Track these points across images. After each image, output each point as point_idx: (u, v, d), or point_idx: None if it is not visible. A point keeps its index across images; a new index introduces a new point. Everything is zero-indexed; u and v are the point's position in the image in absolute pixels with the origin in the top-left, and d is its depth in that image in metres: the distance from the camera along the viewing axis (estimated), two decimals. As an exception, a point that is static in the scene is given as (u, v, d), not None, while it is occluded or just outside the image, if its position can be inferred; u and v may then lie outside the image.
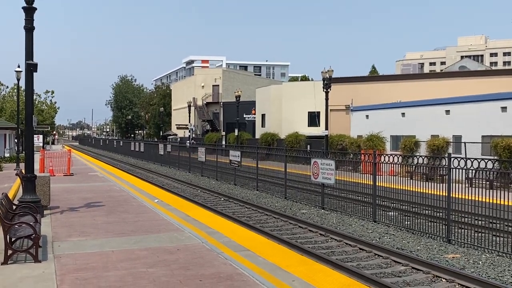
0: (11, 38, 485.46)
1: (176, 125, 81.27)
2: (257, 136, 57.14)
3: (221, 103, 75.26)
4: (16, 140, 52.78)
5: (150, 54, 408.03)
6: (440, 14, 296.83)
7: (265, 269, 8.66)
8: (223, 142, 60.86)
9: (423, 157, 15.82)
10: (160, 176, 34.99)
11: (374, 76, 61.58)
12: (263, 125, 58.63)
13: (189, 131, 68.41)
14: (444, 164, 14.38)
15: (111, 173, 30.35)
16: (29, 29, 13.09)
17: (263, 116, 59.19)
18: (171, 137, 78.30)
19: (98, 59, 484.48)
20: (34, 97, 13.76)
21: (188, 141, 55.62)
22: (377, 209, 16.58)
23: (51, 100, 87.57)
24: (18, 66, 31.65)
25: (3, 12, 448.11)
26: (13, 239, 9.32)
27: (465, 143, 28.16)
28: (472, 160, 12.99)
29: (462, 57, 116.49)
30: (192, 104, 71.62)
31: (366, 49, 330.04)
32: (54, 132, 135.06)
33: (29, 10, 13.04)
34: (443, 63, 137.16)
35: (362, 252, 12.56)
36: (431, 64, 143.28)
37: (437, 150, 29.87)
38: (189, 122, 69.51)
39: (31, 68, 13.09)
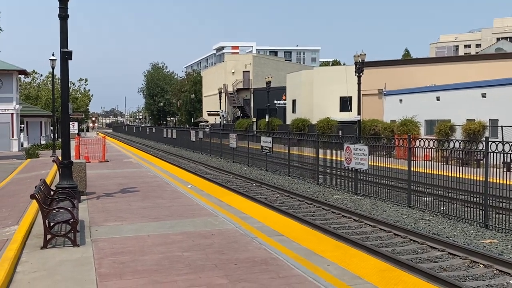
0: (44, 28, 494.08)
1: (207, 111, 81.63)
2: (288, 122, 56.94)
3: (252, 89, 75.18)
4: (51, 128, 54.02)
5: (180, 41, 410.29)
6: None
7: (300, 254, 8.64)
8: (254, 128, 60.89)
9: (459, 141, 15.49)
10: (192, 162, 35.28)
11: (407, 60, 60.49)
12: (294, 111, 58.37)
13: (220, 118, 68.67)
14: (481, 148, 14.08)
15: (144, 160, 30.72)
16: (63, 17, 13.25)
17: (294, 101, 58.91)
18: (202, 123, 78.75)
19: (130, 47, 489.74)
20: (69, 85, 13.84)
21: (207, 127, 56.38)
22: (412, 194, 16.37)
23: (84, 88, 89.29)
24: (53, 55, 32.23)
25: (38, 1, 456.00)
26: (51, 224, 9.52)
27: (502, 126, 27.52)
28: (510, 144, 12.67)
29: (498, 39, 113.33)
30: (222, 91, 71.76)
31: (399, 32, 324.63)
32: (94, 119, 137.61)
33: (63, -1, 13.19)
34: (478, 45, 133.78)
35: (397, 237, 12.44)
36: (466, 46, 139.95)
37: (473, 134, 29.25)
38: (220, 108, 69.74)
39: (66, 56, 13.26)
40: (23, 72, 42.93)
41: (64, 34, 13.25)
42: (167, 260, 8.23)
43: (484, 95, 31.28)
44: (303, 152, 25.80)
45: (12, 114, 39.76)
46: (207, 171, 28.80)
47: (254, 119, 67.46)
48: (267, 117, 54.89)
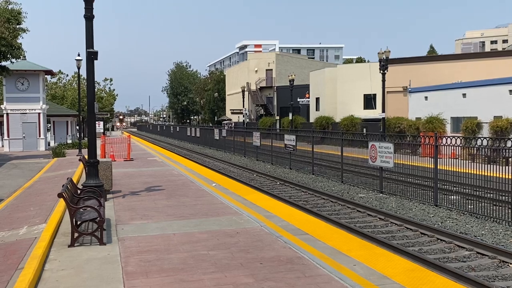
0: (71, 28, 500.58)
1: (230, 110, 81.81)
2: (311, 120, 56.72)
3: (275, 87, 75.08)
4: (77, 127, 54.75)
5: (203, 40, 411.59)
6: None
7: (325, 253, 8.58)
8: (277, 127, 60.82)
9: (486, 138, 15.22)
10: (216, 160, 35.39)
11: (432, 56, 59.74)
12: (317, 108, 58.12)
13: (243, 116, 68.74)
14: (509, 145, 13.81)
15: (169, 158, 30.92)
16: (89, 17, 13.38)
17: (317, 99, 58.65)
18: (225, 122, 78.96)
19: (153, 46, 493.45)
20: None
21: (226, 126, 57.10)
22: (439, 192, 16.14)
23: (109, 88, 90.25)
24: (78, 55, 32.64)
25: (63, 2, 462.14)
26: (78, 222, 9.62)
27: (531, 124, 26.93)
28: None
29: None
30: (246, 89, 71.79)
31: (423, 28, 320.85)
32: (121, 118, 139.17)
33: (89, -1, 13.32)
34: (505, 41, 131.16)
35: (424, 236, 12.27)
36: (492, 42, 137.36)
37: (500, 132, 28.73)
38: (243, 107, 69.79)
39: (91, 56, 13.40)
40: (49, 72, 43.59)
41: (89, 34, 13.39)
42: (192, 259, 8.25)
43: (511, 91, 30.68)
44: (327, 150, 25.66)
45: (39, 113, 40.43)
46: (231, 169, 28.85)
47: (278, 117, 67.37)
48: (290, 115, 54.78)
